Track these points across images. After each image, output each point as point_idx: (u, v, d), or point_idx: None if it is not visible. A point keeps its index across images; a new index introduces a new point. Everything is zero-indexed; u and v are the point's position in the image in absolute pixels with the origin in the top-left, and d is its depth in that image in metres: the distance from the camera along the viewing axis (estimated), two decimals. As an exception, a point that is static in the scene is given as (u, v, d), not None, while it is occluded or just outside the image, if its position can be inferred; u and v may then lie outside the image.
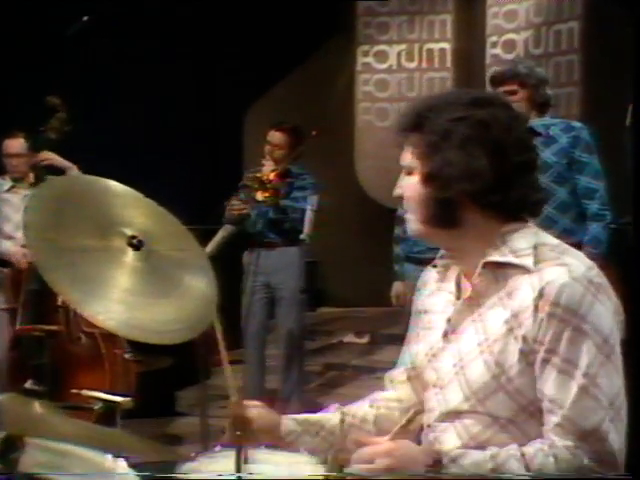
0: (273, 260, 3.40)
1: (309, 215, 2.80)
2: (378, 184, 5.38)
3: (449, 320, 1.12)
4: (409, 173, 1.12)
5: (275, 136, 3.38)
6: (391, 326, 4.78)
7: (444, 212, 1.08)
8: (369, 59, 5.66)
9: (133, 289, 1.27)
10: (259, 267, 3.40)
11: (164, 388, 3.73)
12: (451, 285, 1.17)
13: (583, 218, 2.41)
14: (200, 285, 1.40)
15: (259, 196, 3.16)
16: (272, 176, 3.16)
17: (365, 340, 4.86)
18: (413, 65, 5.57)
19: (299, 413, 3.61)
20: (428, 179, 1.09)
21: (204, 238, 3.09)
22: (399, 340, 4.84)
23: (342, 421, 1.24)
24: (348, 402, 1.28)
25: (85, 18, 3.43)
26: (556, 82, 4.78)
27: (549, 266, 1.04)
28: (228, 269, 3.37)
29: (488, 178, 1.05)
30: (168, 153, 4.72)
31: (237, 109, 5.40)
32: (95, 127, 4.06)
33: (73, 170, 3.01)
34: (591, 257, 2.27)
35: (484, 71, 5.16)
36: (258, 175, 3.20)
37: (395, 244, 3.06)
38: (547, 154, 2.42)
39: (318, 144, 3.34)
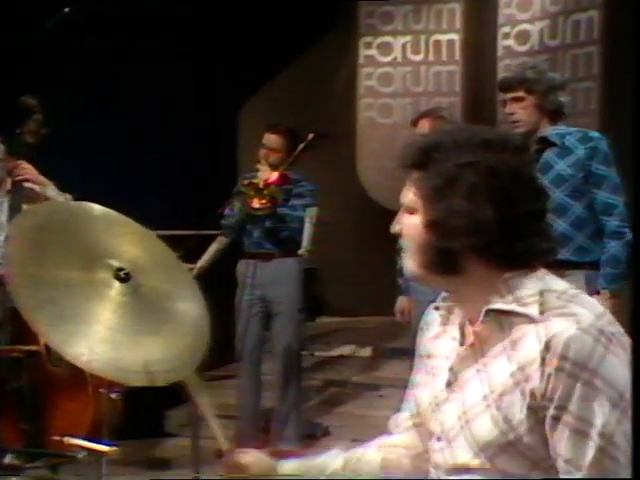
0: (269, 272, 3.41)
1: (308, 228, 2.80)
2: (381, 185, 5.40)
3: (452, 369, 1.13)
4: (410, 212, 1.13)
5: (271, 139, 3.38)
6: (396, 338, 4.79)
7: (444, 260, 1.09)
8: (372, 51, 5.66)
9: (119, 326, 1.28)
10: (255, 279, 3.41)
11: (152, 407, 3.74)
12: (455, 330, 1.17)
13: (600, 235, 2.40)
14: (192, 318, 1.42)
15: (255, 204, 3.16)
16: (268, 182, 3.16)
17: (367, 354, 4.87)
18: (419, 58, 5.57)
19: (297, 436, 3.62)
20: (430, 226, 1.09)
21: (197, 247, 3.12)
22: (404, 354, 4.86)
23: (344, 467, 1.25)
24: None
25: (66, 10, 3.43)
26: (574, 76, 4.78)
27: (555, 316, 1.04)
28: (222, 281, 3.44)
29: (494, 230, 1.06)
30: (156, 157, 4.74)
31: (229, 108, 5.41)
32: (78, 130, 4.08)
33: (48, 188, 2.98)
34: (610, 278, 2.23)
35: (495, 64, 5.17)
36: (254, 181, 3.20)
37: (398, 257, 3.07)
38: (562, 166, 2.41)
39: (317, 144, 3.36)
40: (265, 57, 5.28)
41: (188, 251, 2.80)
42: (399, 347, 4.62)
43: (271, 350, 3.55)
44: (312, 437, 3.66)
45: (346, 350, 4.91)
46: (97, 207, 1.42)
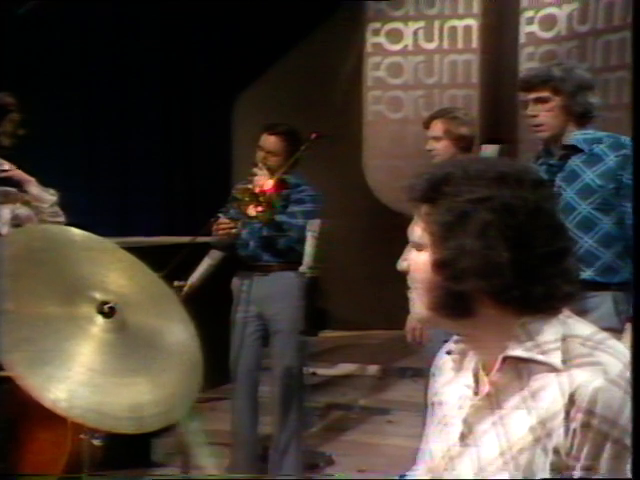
0: (267, 286, 3.38)
1: (310, 243, 2.79)
2: (390, 187, 5.41)
3: (466, 420, 1.13)
4: (418, 249, 1.14)
5: (269, 141, 3.35)
6: (407, 356, 4.80)
7: (455, 302, 1.09)
8: (380, 39, 5.66)
9: (103, 367, 1.29)
10: (251, 295, 3.39)
11: (137, 434, 3.74)
12: (468, 376, 1.17)
13: (630, 253, 2.30)
14: (184, 354, 1.43)
15: (251, 211, 3.14)
16: (266, 187, 3.15)
17: (375, 373, 4.87)
18: (433, 46, 5.57)
19: (298, 465, 3.60)
20: (439, 266, 1.09)
21: (187, 261, 3.13)
22: (416, 374, 4.85)
23: None
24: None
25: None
26: (606, 65, 4.76)
27: (580, 365, 1.03)
28: (215, 296, 3.44)
29: (509, 273, 1.05)
30: (143, 157, 4.81)
31: (222, 103, 5.44)
32: (61, 130, 4.14)
33: (31, 185, 3.03)
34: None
35: (517, 53, 5.17)
36: (250, 187, 3.16)
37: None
38: (590, 176, 2.36)
39: (319, 143, 3.36)
40: (259, 46, 5.27)
41: (176, 267, 2.80)
42: (410, 366, 4.63)
43: (269, 369, 3.56)
44: (314, 467, 3.66)
45: (352, 369, 4.92)
46: (78, 232, 1.43)
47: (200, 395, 1.42)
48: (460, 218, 1.07)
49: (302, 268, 2.80)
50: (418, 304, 1.14)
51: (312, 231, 2.81)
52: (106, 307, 1.34)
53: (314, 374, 4.61)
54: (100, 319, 1.34)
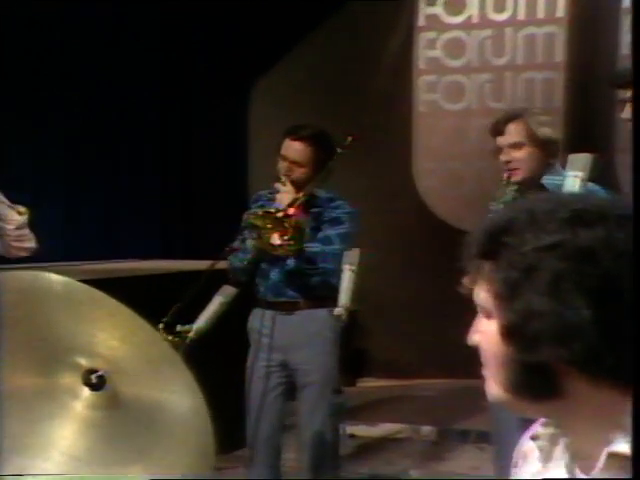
0: (294, 328, 3.39)
1: (348, 277, 2.76)
2: (447, 196, 5.41)
3: None
4: (487, 316, 1.14)
5: (292, 148, 3.34)
6: (469, 414, 4.77)
7: (533, 379, 1.09)
8: (436, 9, 5.67)
9: (89, 454, 1.29)
10: (273, 338, 3.40)
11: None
12: (560, 470, 1.16)
13: None
14: (190, 433, 1.42)
15: (275, 239, 3.15)
16: (292, 210, 3.14)
17: (429, 435, 4.84)
18: (504, 17, 5.56)
19: None
20: (507, 334, 1.09)
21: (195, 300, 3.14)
22: (481, 439, 4.84)
23: None
24: None
25: None
26: None
27: None
28: (226, 339, 3.44)
29: (593, 335, 1.04)
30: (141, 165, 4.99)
31: (232, 98, 5.52)
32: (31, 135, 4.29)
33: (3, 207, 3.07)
34: None
35: (618, 23, 5.07)
36: (270, 210, 3.17)
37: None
38: None
39: (357, 147, 3.37)
40: (280, 19, 5.32)
41: (181, 308, 2.81)
42: (475, 428, 4.61)
43: (294, 429, 3.56)
44: None
45: (399, 429, 4.89)
46: (58, 279, 1.42)
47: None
48: (526, 272, 1.07)
49: (338, 310, 2.77)
50: (492, 385, 1.15)
51: (350, 263, 2.78)
52: (94, 377, 1.34)
53: (352, 436, 4.62)
54: (86, 392, 1.34)
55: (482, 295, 1.14)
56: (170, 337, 2.62)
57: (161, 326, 2.57)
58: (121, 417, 1.35)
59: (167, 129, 5.94)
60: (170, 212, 6.20)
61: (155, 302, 2.68)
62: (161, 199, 6.08)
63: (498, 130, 3.04)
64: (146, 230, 6.05)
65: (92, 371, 1.35)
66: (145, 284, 4.18)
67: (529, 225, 1.09)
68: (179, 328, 2.78)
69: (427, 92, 5.68)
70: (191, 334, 3.02)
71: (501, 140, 3.02)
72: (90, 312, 1.41)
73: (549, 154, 3.01)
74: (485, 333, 1.14)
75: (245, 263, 3.33)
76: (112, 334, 1.41)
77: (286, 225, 3.09)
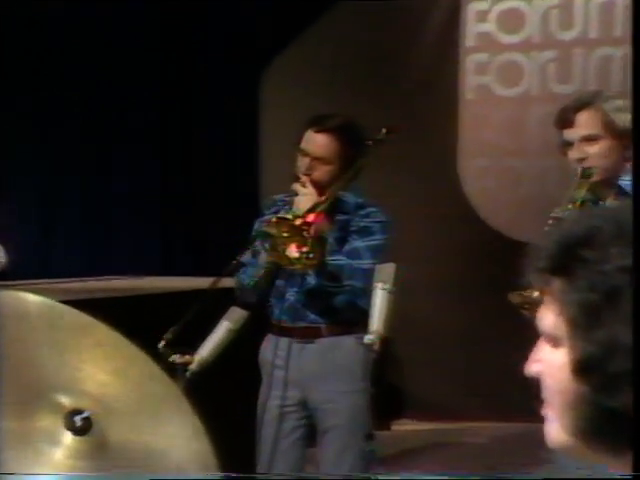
0: (315, 360, 3.40)
1: (381, 298, 2.76)
2: (500, 199, 5.40)
3: None
4: (553, 344, 1.14)
5: (316, 142, 3.36)
6: (528, 463, 4.74)
7: (612, 426, 1.09)
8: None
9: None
10: (289, 371, 3.41)
11: None
12: None
13: None
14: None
15: (292, 251, 3.16)
16: (313, 216, 3.13)
17: (480, 491, 4.84)
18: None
19: None
20: (583, 369, 1.10)
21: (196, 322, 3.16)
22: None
23: None
24: None
25: None
26: None
27: None
28: (233, 372, 3.43)
29: None
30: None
31: (241, 87, 5.60)
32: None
33: None
34: None
35: None
36: (287, 217, 3.18)
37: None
38: None
39: (392, 140, 3.37)
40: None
41: (178, 333, 2.83)
42: (535, 481, 4.60)
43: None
44: None
45: (443, 484, 4.93)
46: (34, 299, 1.44)
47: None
48: (609, 295, 1.07)
49: (369, 337, 2.76)
50: (555, 428, 1.15)
51: (383, 281, 2.78)
52: (78, 419, 1.35)
53: (386, 492, 4.62)
54: (68, 438, 1.35)
55: (550, 319, 1.14)
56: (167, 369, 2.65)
57: (161, 351, 2.60)
58: (110, 468, 1.36)
59: (167, 126, 6.10)
60: (171, 217, 6.34)
61: (153, 326, 2.73)
62: (161, 203, 6.22)
63: (566, 120, 3.00)
64: (145, 243, 6.17)
65: (76, 412, 1.36)
66: (140, 305, 4.21)
67: (615, 238, 1.10)
68: (177, 359, 2.80)
69: (476, 74, 5.68)
70: (192, 366, 3.04)
71: (570, 133, 2.98)
72: (74, 340, 1.43)
73: (630, 147, 2.97)
74: (550, 364, 1.14)
75: (256, 280, 3.34)
76: (101, 367, 1.42)
77: (305, 234, 3.08)
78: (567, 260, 1.11)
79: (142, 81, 6.20)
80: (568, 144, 2.98)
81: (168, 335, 2.75)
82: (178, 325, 2.81)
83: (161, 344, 2.73)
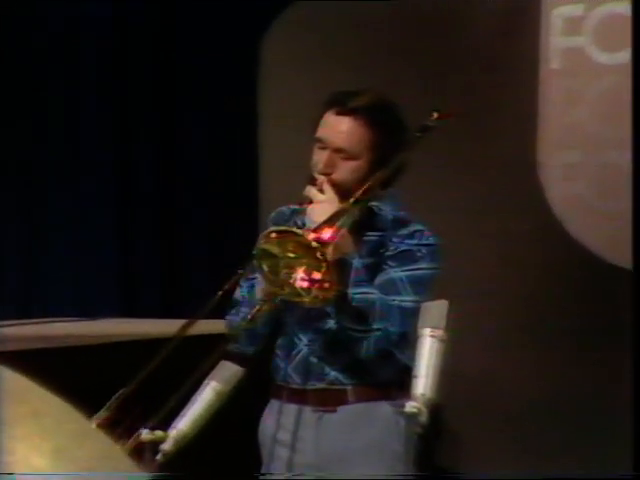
0: (335, 435, 3.46)
1: (429, 349, 2.78)
2: (598, 209, 5.42)
3: None
4: None
5: (338, 128, 3.38)
6: None
7: None
8: None
9: None
10: (297, 451, 3.47)
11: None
12: None
13: None
14: None
15: (299, 280, 3.11)
16: (331, 230, 3.03)
17: None
18: None
19: None
20: None
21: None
22: None
23: None
24: None
25: None
26: None
27: None
28: (225, 451, 3.42)
29: None
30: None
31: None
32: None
33: None
34: None
35: None
36: (296, 231, 3.10)
37: None
38: None
39: (446, 125, 3.38)
40: None
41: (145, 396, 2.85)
42: None
43: None
44: None
45: None
46: (9, 377, 1.46)
47: None
48: None
49: (412, 405, 2.79)
50: None
51: (433, 326, 2.80)
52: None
53: None
54: None
55: None
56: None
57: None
58: None
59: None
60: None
61: (106, 387, 2.75)
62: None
63: None
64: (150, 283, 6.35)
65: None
66: (91, 356, 4.25)
67: None
68: (145, 435, 2.82)
69: (565, 34, 5.69)
70: (166, 446, 3.05)
71: None
72: (6, 410, 1.45)
73: None
74: None
75: (249, 321, 3.24)
76: (38, 447, 1.44)
77: (319, 256, 2.98)
78: None
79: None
80: None
81: (104, 411, 2.71)
82: (121, 394, 2.79)
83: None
